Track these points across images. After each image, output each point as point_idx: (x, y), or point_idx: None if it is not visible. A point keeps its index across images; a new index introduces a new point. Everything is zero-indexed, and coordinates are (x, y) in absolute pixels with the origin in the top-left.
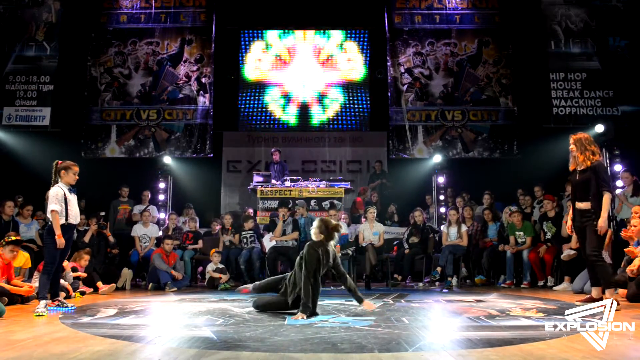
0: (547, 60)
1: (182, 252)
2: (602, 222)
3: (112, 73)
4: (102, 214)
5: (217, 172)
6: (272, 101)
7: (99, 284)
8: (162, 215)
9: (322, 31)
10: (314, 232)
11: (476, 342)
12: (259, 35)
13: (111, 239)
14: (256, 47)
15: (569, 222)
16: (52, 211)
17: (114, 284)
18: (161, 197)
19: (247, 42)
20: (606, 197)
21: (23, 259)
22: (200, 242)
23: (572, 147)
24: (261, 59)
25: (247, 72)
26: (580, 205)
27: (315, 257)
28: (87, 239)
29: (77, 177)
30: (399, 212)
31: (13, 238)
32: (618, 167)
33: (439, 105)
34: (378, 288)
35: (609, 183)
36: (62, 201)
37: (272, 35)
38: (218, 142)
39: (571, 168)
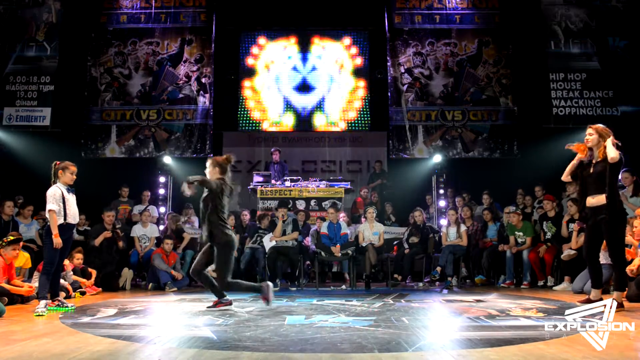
0: (546, 61)
1: (182, 252)
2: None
3: (112, 73)
4: (119, 226)
5: None
6: (272, 101)
7: (89, 283)
8: (162, 210)
9: (321, 31)
10: (210, 172)
11: (476, 342)
12: (259, 35)
13: (121, 244)
14: (256, 47)
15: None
16: (49, 211)
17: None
18: (161, 199)
19: (246, 42)
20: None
21: (23, 259)
22: (185, 235)
23: (589, 137)
24: (261, 59)
25: (247, 72)
26: (592, 200)
27: (221, 187)
28: (97, 242)
29: (75, 177)
30: (396, 212)
31: (11, 238)
32: None
33: (439, 105)
34: (378, 288)
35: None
36: (60, 201)
37: (271, 35)
38: (218, 142)
39: (584, 157)
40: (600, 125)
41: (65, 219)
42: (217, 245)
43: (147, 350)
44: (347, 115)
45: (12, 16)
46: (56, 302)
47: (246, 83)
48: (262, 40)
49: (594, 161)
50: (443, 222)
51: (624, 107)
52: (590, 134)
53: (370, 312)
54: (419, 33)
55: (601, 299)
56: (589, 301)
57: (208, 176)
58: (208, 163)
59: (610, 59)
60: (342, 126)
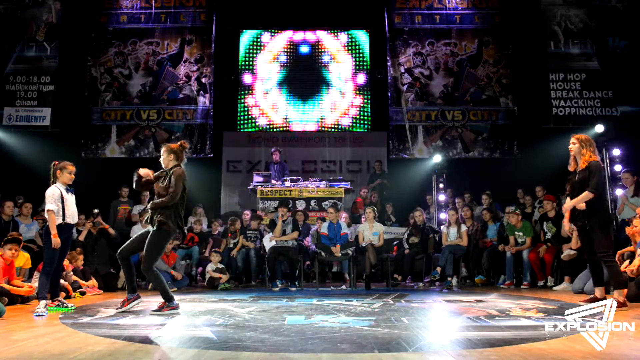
0: (546, 61)
1: (182, 253)
2: (568, 205)
3: (112, 73)
4: (96, 211)
5: (217, 172)
6: (272, 101)
7: (92, 283)
8: None
9: (322, 31)
10: (164, 159)
11: (476, 342)
12: (259, 35)
13: (111, 231)
14: (256, 47)
15: (567, 223)
16: (48, 211)
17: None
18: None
19: (246, 42)
20: (586, 194)
21: (23, 259)
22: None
23: (573, 147)
24: (261, 59)
25: (247, 72)
26: (581, 205)
27: (183, 178)
28: (82, 237)
29: (73, 177)
30: (396, 212)
31: (9, 238)
32: (618, 167)
33: (439, 105)
34: (378, 288)
35: (597, 186)
36: (58, 201)
37: (271, 35)
38: (218, 142)
39: (571, 169)
40: (583, 135)
41: (64, 219)
42: (156, 226)
43: (147, 350)
44: (347, 115)
45: (12, 16)
46: (56, 302)
47: (246, 82)
48: (261, 39)
49: (579, 169)
50: (443, 215)
51: (624, 107)
52: (574, 143)
53: (370, 312)
54: (419, 33)
55: (605, 297)
56: (595, 299)
57: (163, 163)
58: (162, 150)
59: (610, 59)
60: (342, 126)
